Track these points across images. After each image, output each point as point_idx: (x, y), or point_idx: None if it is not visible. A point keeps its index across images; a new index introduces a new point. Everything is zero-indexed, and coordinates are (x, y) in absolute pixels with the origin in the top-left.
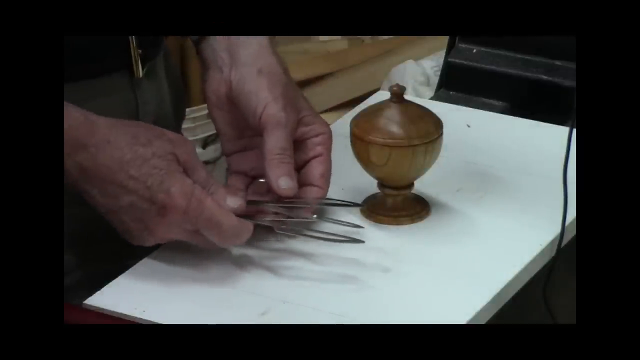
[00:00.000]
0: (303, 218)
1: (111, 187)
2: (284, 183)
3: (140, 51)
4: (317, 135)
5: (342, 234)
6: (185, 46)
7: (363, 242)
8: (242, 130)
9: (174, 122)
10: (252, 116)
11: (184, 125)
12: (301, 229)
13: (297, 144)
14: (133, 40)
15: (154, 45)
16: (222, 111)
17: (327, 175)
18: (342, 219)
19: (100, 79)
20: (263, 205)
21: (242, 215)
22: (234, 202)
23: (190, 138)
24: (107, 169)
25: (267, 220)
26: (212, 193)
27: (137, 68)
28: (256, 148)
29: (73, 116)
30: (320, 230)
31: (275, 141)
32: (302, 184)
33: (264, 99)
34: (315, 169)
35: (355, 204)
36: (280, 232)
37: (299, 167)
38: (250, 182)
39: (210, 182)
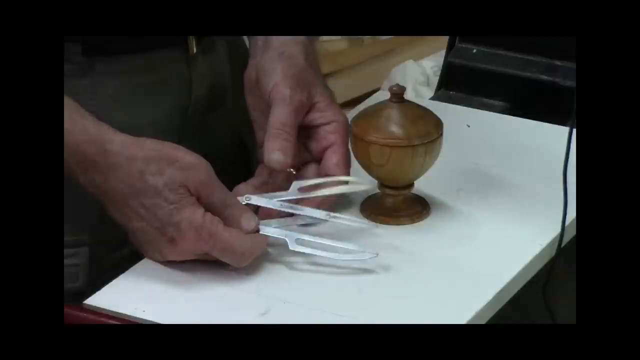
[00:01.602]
0: (314, 219)
1: (124, 209)
2: (274, 156)
3: None
4: (329, 123)
5: (354, 249)
6: None
7: (376, 255)
8: (267, 116)
9: (233, 95)
10: (265, 96)
11: None
12: (315, 249)
13: (310, 131)
14: None
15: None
16: (254, 97)
17: (342, 164)
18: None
19: (155, 53)
20: (272, 197)
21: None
22: (248, 224)
23: None
24: (120, 193)
25: (279, 231)
26: (227, 216)
27: (191, 44)
28: None
29: (88, 132)
30: (334, 248)
31: (276, 116)
32: (319, 176)
33: (275, 78)
34: (329, 159)
35: (366, 223)
36: (294, 249)
37: (317, 159)
38: (271, 172)
39: (226, 203)
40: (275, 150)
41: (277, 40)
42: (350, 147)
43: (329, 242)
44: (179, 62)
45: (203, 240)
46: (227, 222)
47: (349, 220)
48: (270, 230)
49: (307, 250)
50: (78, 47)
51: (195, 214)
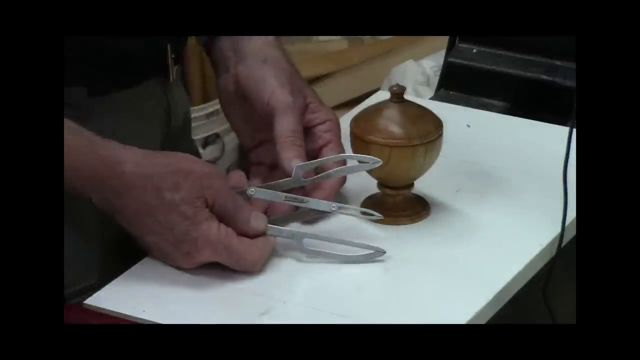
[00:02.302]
0: (320, 211)
1: (138, 225)
2: (295, 164)
3: (173, 56)
4: (323, 122)
5: (360, 251)
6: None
7: (384, 252)
8: (256, 123)
9: (189, 120)
10: (260, 104)
11: None
12: (322, 250)
13: (305, 132)
14: (169, 46)
15: (182, 49)
16: (234, 107)
17: (340, 162)
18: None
19: (136, 87)
20: (278, 185)
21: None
22: (258, 224)
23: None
24: (134, 211)
25: (287, 232)
26: (238, 218)
27: (172, 72)
28: (273, 140)
29: (99, 156)
30: (340, 250)
31: (285, 124)
32: (317, 174)
33: (271, 86)
34: (326, 157)
35: (373, 214)
36: (302, 251)
37: (311, 158)
38: (270, 173)
39: (237, 208)
40: (294, 158)
41: (250, 47)
42: (351, 148)
43: (335, 242)
44: (159, 92)
45: (219, 254)
46: (238, 224)
47: (355, 211)
48: (277, 231)
49: (315, 252)
50: (83, 90)
51: (211, 230)
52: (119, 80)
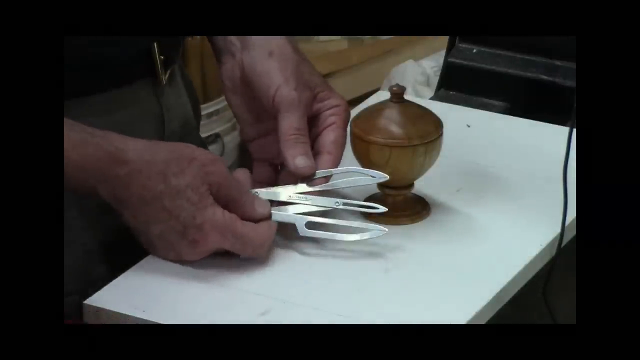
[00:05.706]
0: (325, 206)
1: (143, 215)
2: (300, 162)
3: (162, 57)
4: (330, 108)
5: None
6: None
7: (385, 230)
8: (259, 113)
9: (195, 124)
10: (265, 98)
11: None
12: (324, 231)
13: (312, 119)
14: (155, 47)
15: (174, 51)
16: (238, 95)
17: (338, 142)
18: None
19: (125, 89)
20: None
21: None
22: (263, 209)
23: None
24: (139, 198)
25: (289, 216)
26: (243, 203)
27: (160, 75)
28: (275, 132)
29: (102, 148)
30: (342, 229)
31: (289, 122)
32: (315, 153)
33: (276, 81)
34: (326, 137)
35: (376, 208)
36: (304, 234)
37: (314, 141)
38: (276, 172)
39: (241, 193)
40: (299, 156)
41: (256, 36)
42: (351, 148)
43: (337, 223)
44: (149, 95)
45: (226, 239)
46: (244, 208)
47: (360, 206)
48: (280, 215)
49: (317, 234)
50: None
51: (216, 215)
52: (99, 82)
